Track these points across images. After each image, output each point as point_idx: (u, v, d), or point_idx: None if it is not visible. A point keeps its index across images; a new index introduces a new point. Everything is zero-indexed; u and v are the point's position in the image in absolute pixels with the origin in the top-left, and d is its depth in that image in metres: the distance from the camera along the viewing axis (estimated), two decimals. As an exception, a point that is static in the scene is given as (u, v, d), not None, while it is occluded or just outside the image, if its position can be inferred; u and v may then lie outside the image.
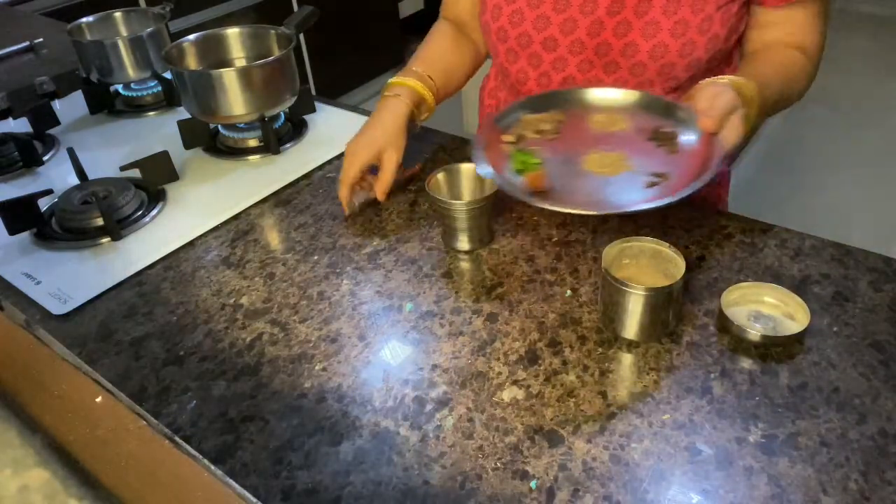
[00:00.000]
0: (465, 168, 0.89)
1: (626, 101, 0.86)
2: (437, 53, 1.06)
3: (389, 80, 1.00)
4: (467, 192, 0.90)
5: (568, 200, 0.71)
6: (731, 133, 0.76)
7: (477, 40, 1.09)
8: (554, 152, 0.79)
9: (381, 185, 0.95)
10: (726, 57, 0.94)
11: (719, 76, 0.83)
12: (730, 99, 0.76)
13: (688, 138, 0.78)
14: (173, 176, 1.05)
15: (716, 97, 0.76)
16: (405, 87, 0.98)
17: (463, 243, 0.87)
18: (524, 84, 0.98)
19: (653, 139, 0.79)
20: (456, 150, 1.09)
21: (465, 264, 0.85)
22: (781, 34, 0.91)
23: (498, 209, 0.94)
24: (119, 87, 1.32)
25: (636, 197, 0.71)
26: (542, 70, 0.95)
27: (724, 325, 0.72)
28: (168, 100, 1.29)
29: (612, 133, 0.82)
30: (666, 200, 0.68)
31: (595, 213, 0.69)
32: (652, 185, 0.72)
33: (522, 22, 0.93)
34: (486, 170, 0.75)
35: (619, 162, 0.76)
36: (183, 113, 1.17)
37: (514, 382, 0.69)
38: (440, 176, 0.89)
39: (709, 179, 0.70)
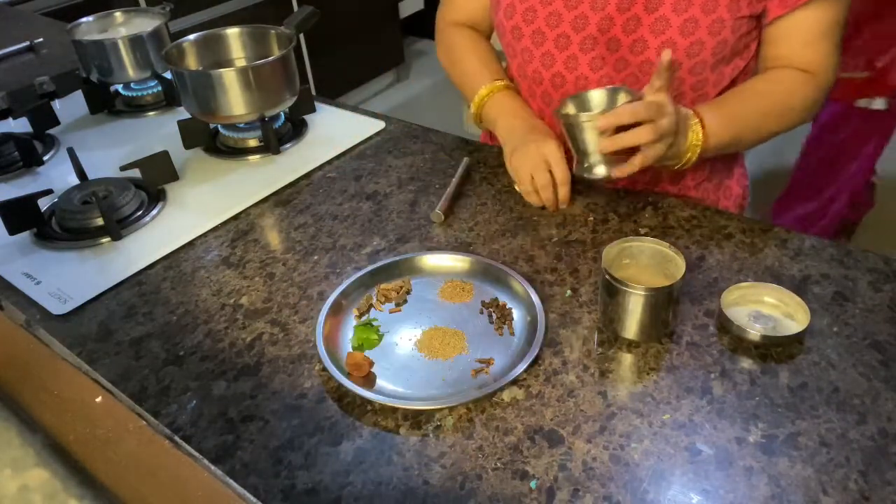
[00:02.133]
0: (596, 94, 0.86)
1: (472, 269, 0.82)
2: (486, 60, 1.05)
3: (482, 93, 1.01)
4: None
5: (391, 392, 0.69)
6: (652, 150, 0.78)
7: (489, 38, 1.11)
8: (393, 327, 0.76)
9: (563, 184, 0.89)
10: (729, 75, 0.93)
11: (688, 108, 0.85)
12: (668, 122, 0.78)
13: (519, 313, 0.76)
14: (173, 176, 1.05)
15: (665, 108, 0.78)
16: (504, 85, 1.01)
17: (599, 169, 0.82)
18: (539, 84, 0.98)
19: (487, 314, 0.77)
20: (456, 150, 1.09)
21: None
22: (785, 51, 0.90)
23: (497, 209, 0.94)
24: (119, 87, 1.32)
25: (462, 386, 0.69)
26: (554, 70, 0.95)
27: (724, 325, 0.72)
28: (168, 100, 1.29)
29: (455, 305, 0.79)
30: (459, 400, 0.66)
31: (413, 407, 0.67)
32: (477, 372, 0.70)
33: (535, 19, 0.93)
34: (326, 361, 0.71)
35: (457, 341, 0.73)
36: (183, 113, 1.17)
37: (514, 382, 0.68)
38: (570, 103, 0.86)
39: (525, 367, 0.69)
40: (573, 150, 0.84)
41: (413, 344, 0.74)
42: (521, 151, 0.91)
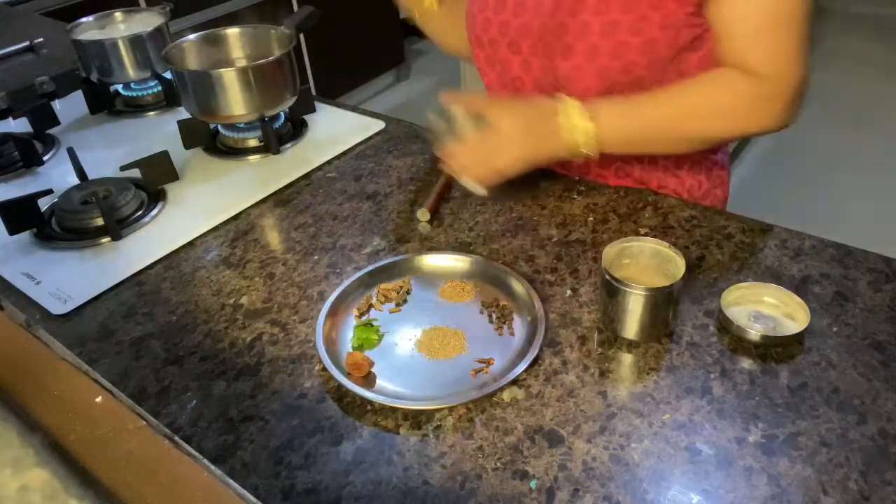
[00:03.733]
0: (457, 108, 0.87)
1: (472, 269, 0.83)
2: None
3: None
4: None
5: (390, 391, 0.69)
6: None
7: None
8: (393, 327, 0.76)
9: None
10: (676, 67, 0.88)
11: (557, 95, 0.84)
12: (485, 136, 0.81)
13: (519, 313, 0.76)
14: (173, 176, 1.05)
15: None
16: None
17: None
18: (504, 88, 0.99)
19: (487, 314, 0.77)
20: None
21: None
22: (727, 47, 0.83)
23: (497, 209, 0.94)
24: (119, 87, 1.32)
25: (461, 386, 0.69)
26: (513, 74, 0.96)
27: (724, 325, 0.72)
28: (168, 100, 1.29)
29: (456, 305, 0.79)
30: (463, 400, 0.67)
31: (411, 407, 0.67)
32: (477, 372, 0.70)
33: (490, 28, 0.95)
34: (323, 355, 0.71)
35: (457, 341, 0.74)
36: (183, 113, 1.17)
37: (514, 382, 0.68)
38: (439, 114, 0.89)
39: (524, 368, 0.69)
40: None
41: (413, 344, 0.74)
42: None
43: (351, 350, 0.73)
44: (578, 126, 0.82)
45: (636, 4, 0.82)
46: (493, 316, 0.76)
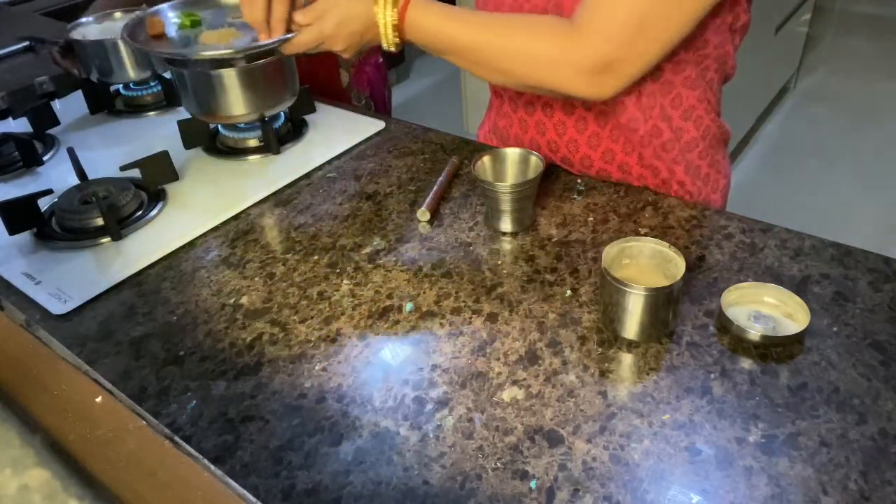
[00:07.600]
0: (511, 152, 0.91)
1: None
2: None
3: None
4: (511, 175, 0.92)
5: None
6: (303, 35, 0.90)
7: None
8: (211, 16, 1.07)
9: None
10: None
11: None
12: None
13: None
14: (173, 176, 1.05)
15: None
16: None
17: (506, 225, 0.89)
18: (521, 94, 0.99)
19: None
20: (456, 150, 1.09)
21: (465, 265, 0.85)
22: None
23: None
24: (119, 87, 1.32)
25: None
26: None
27: (724, 325, 0.72)
28: (168, 100, 1.29)
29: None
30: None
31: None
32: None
33: (501, 6, 0.94)
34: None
35: (229, 37, 1.01)
36: (183, 113, 1.17)
37: (514, 382, 0.69)
38: (486, 159, 0.90)
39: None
40: (486, 206, 0.93)
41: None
42: None
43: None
44: (388, 15, 0.85)
45: None
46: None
